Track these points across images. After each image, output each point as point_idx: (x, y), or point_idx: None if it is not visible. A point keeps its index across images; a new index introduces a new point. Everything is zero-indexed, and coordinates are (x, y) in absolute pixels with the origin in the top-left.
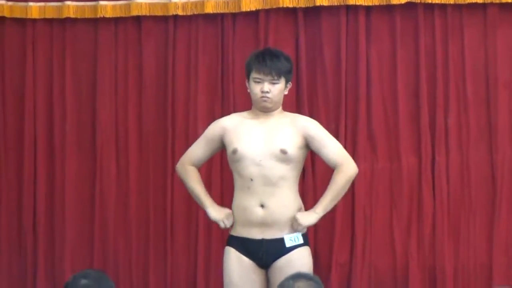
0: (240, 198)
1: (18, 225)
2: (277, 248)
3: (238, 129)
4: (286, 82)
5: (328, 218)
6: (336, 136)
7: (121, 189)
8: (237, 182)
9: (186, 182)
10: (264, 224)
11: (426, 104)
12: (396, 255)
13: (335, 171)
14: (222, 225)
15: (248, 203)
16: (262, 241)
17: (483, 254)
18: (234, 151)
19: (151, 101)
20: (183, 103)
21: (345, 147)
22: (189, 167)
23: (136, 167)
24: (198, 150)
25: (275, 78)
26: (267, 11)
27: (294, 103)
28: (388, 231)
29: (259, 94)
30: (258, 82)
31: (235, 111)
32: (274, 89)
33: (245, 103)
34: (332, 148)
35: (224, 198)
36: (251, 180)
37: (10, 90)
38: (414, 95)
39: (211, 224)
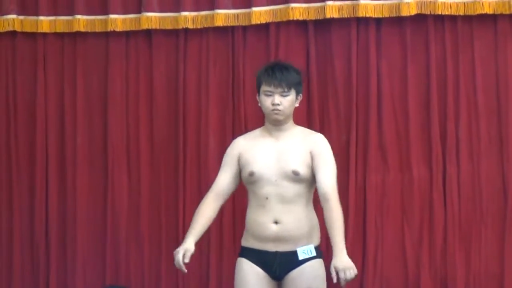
0: (254, 214)
1: (31, 238)
2: (290, 261)
3: (252, 150)
4: (297, 94)
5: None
6: (347, 147)
7: (133, 201)
8: (252, 199)
9: (195, 213)
10: (278, 239)
11: (437, 115)
12: (408, 267)
13: (327, 206)
14: (177, 256)
15: (263, 220)
16: (276, 253)
17: (495, 265)
18: (251, 174)
19: (162, 114)
20: (194, 116)
21: (356, 159)
22: (205, 200)
23: (148, 179)
24: (222, 177)
25: (286, 90)
26: (278, 24)
27: (305, 115)
28: (399, 242)
29: (271, 107)
30: (269, 95)
31: (246, 123)
32: (285, 101)
33: (256, 115)
34: (327, 175)
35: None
36: (267, 198)
37: (21, 104)
38: (424, 106)
39: (223, 234)
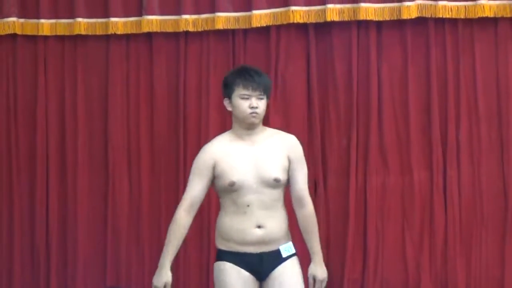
0: (233, 221)
1: (31, 241)
2: (274, 259)
3: (229, 159)
4: (267, 98)
5: (340, 233)
6: (348, 150)
7: (133, 203)
8: (230, 206)
9: (168, 233)
10: (262, 242)
11: (438, 118)
12: (408, 270)
13: (305, 211)
14: None
15: (245, 225)
16: (261, 254)
17: (495, 268)
18: (231, 184)
19: (163, 117)
20: (194, 118)
21: (356, 162)
22: (178, 216)
23: (148, 182)
24: (196, 188)
25: (262, 93)
26: (278, 27)
27: (306, 118)
28: (400, 246)
29: (248, 111)
30: (246, 98)
31: None
32: (262, 105)
33: None
34: (303, 179)
35: None
36: (248, 206)
37: (22, 107)
38: (425, 109)
39: None
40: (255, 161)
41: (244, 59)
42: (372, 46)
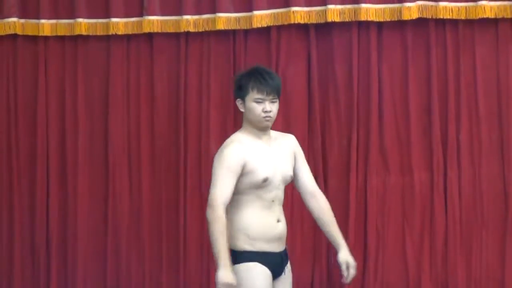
0: (259, 216)
1: (31, 241)
2: (285, 259)
3: (258, 156)
4: (279, 100)
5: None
6: (348, 151)
7: (134, 203)
8: (255, 203)
9: (213, 231)
10: (281, 237)
11: (438, 119)
12: (409, 270)
13: (320, 203)
14: None
15: (270, 219)
16: (281, 253)
17: (496, 268)
18: (265, 180)
19: (164, 117)
20: (195, 119)
21: (357, 162)
22: (221, 215)
23: (149, 182)
24: (229, 186)
25: (276, 97)
26: (279, 28)
27: (306, 118)
28: (400, 246)
29: (262, 114)
30: (260, 102)
31: None
32: (274, 108)
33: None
34: (310, 174)
35: None
36: (273, 201)
37: (22, 107)
38: (425, 110)
39: None
40: (275, 159)
41: (245, 60)
42: (373, 46)
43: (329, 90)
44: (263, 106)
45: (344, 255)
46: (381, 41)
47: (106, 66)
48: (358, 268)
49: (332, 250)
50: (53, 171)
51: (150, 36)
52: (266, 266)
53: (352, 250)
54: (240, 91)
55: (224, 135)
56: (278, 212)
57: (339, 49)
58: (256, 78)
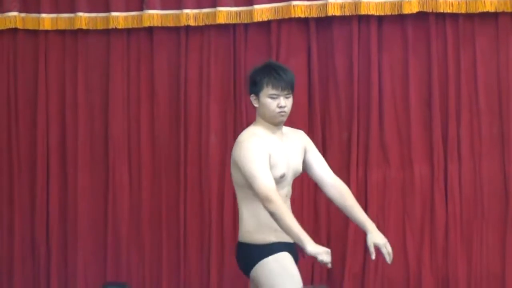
0: None
1: (31, 236)
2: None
3: (276, 151)
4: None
5: (341, 228)
6: (348, 145)
7: (134, 199)
8: None
9: (283, 219)
10: None
11: (439, 113)
12: (409, 265)
13: (341, 188)
14: (324, 258)
15: None
16: (295, 243)
17: (496, 263)
18: (282, 176)
19: (164, 111)
20: (195, 113)
21: (357, 157)
22: (279, 202)
23: (149, 177)
24: (269, 172)
25: (290, 92)
26: (279, 21)
27: (306, 112)
28: (400, 240)
29: (277, 110)
30: (275, 98)
31: (247, 120)
32: (289, 103)
33: None
34: (324, 161)
35: None
36: (286, 196)
37: (22, 101)
38: (426, 104)
39: (224, 234)
40: (288, 154)
41: (245, 54)
42: (373, 40)
43: (329, 84)
44: (278, 102)
45: (371, 238)
46: (381, 35)
47: (106, 60)
48: (358, 262)
49: (332, 248)
50: (53, 166)
51: (150, 30)
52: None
53: (352, 245)
54: (254, 87)
55: (224, 129)
56: (288, 206)
57: (340, 43)
58: (270, 73)
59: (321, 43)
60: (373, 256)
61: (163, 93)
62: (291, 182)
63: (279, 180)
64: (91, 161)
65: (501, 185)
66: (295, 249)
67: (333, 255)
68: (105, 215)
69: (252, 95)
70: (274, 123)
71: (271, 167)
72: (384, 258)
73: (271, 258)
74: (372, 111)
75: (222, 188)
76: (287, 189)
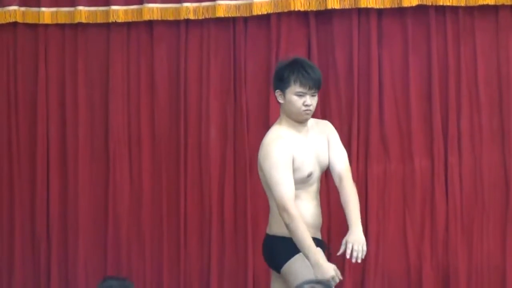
0: (309, 207)
1: (32, 230)
2: None
3: (301, 151)
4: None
5: (341, 220)
6: (349, 138)
7: (134, 193)
8: (302, 195)
9: (296, 231)
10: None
11: (439, 106)
12: (410, 257)
13: (342, 184)
14: (335, 279)
15: (317, 211)
16: (323, 240)
17: (497, 256)
18: (310, 174)
19: (164, 105)
20: (195, 107)
21: (357, 150)
22: (296, 214)
23: (149, 171)
24: (291, 182)
25: (317, 91)
26: (279, 15)
27: None
28: (401, 233)
29: (302, 108)
30: (301, 95)
31: (247, 114)
32: (314, 101)
33: (257, 106)
34: (344, 157)
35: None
36: (316, 192)
37: (22, 95)
38: (426, 97)
39: (224, 227)
40: (314, 151)
41: (245, 47)
42: (373, 33)
43: (329, 77)
44: (304, 100)
45: (347, 236)
46: (381, 28)
47: (106, 54)
48: None
49: (332, 241)
50: (53, 160)
51: (150, 23)
52: None
53: None
54: (281, 83)
55: (224, 123)
56: (318, 200)
57: (339, 36)
58: (299, 71)
59: (321, 36)
60: (338, 253)
61: (163, 86)
62: (319, 177)
63: (306, 180)
64: (91, 155)
65: (502, 178)
66: (323, 247)
67: (333, 246)
68: (105, 209)
69: (277, 90)
70: (299, 121)
71: (296, 169)
72: (382, 254)
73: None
74: (372, 104)
75: (223, 182)
76: (316, 185)
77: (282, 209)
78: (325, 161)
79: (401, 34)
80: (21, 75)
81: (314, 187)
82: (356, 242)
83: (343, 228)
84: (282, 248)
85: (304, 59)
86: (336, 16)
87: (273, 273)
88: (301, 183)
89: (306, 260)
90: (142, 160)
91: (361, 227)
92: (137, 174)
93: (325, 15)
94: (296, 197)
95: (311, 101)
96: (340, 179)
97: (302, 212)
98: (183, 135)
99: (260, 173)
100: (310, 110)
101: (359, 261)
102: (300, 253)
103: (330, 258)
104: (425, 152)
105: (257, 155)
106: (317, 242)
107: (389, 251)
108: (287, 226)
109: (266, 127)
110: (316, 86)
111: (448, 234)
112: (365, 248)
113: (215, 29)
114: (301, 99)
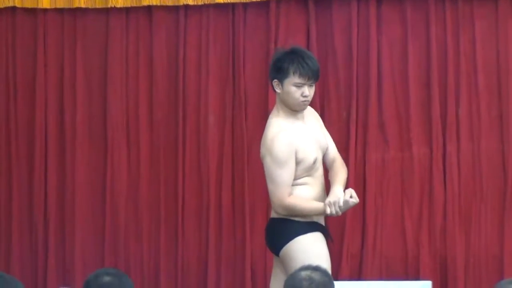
0: (317, 191)
1: (29, 217)
2: None
3: (303, 140)
4: None
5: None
6: (347, 125)
7: (132, 179)
8: (309, 182)
9: (300, 211)
10: None
11: (437, 94)
12: (407, 245)
13: (334, 165)
14: (350, 202)
15: (324, 196)
16: (325, 226)
17: (494, 244)
18: (315, 160)
19: (162, 91)
20: (194, 93)
21: (356, 137)
22: (290, 203)
23: (147, 157)
24: (290, 180)
25: (315, 81)
26: (278, 1)
27: None
28: (399, 221)
29: (301, 99)
30: (300, 86)
31: (246, 100)
32: (312, 92)
33: (256, 93)
34: (332, 140)
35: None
36: (321, 175)
37: (21, 81)
38: (425, 85)
39: (222, 215)
40: (313, 136)
41: (244, 33)
42: (372, 21)
43: (328, 65)
44: (303, 91)
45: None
46: (380, 15)
47: (104, 39)
48: (356, 243)
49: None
50: (51, 145)
51: (149, 9)
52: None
53: (351, 225)
54: (279, 73)
55: (222, 109)
56: (323, 184)
57: (339, 23)
58: (298, 62)
59: (320, 23)
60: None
61: (162, 72)
62: (321, 161)
63: (312, 166)
64: (90, 140)
65: (500, 166)
66: (326, 233)
67: (331, 234)
68: (103, 194)
69: (275, 80)
70: (296, 109)
71: (301, 160)
72: (380, 241)
73: (309, 235)
74: (371, 92)
75: (221, 168)
76: (320, 169)
77: (278, 206)
78: (324, 144)
79: (400, 21)
80: (20, 60)
81: (319, 172)
82: (331, 198)
83: (357, 225)
84: (281, 231)
85: (302, 49)
86: (336, 3)
87: (275, 259)
88: (308, 170)
89: (304, 245)
90: (140, 145)
91: (341, 188)
92: (135, 160)
93: (324, 2)
94: (304, 184)
95: (309, 91)
96: (334, 160)
97: (309, 198)
98: (181, 121)
99: (262, 163)
100: (308, 100)
101: (339, 213)
102: (299, 237)
103: (332, 247)
104: (423, 140)
105: (255, 143)
106: (321, 227)
107: (387, 239)
108: (290, 215)
109: (265, 113)
110: (314, 77)
111: (446, 221)
112: (341, 202)
113: (214, 15)
114: (300, 89)
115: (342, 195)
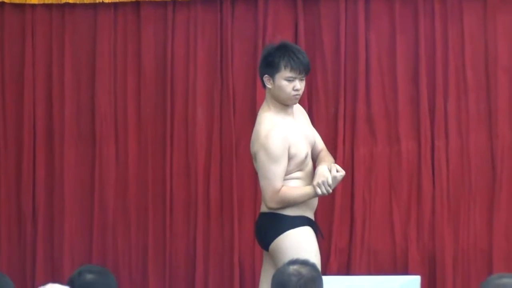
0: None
1: (17, 212)
2: None
3: (294, 135)
4: None
5: (327, 202)
6: (335, 120)
7: (120, 175)
8: (303, 176)
9: (293, 200)
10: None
11: (426, 89)
12: (396, 240)
13: (325, 152)
14: (337, 176)
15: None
16: (316, 221)
17: (483, 238)
18: (306, 155)
19: (150, 86)
20: (182, 88)
21: (344, 132)
22: (281, 196)
23: (135, 153)
24: (281, 177)
25: (305, 75)
26: None
27: None
28: (387, 216)
29: (292, 93)
30: (291, 80)
31: (234, 95)
32: (303, 85)
33: (244, 87)
34: (320, 138)
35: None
36: (311, 171)
37: (9, 76)
38: (413, 80)
39: (210, 208)
40: (303, 131)
41: (232, 29)
42: (360, 16)
43: (316, 60)
44: (294, 85)
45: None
46: (368, 11)
47: (93, 34)
48: (344, 238)
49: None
50: (40, 139)
51: (137, 4)
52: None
53: (339, 220)
54: (270, 68)
55: (211, 103)
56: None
57: (327, 18)
58: (289, 56)
59: (308, 19)
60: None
61: (150, 67)
62: (311, 156)
63: (304, 161)
64: (78, 134)
65: (488, 161)
66: (317, 229)
67: (321, 232)
68: (91, 188)
69: (266, 76)
70: (286, 104)
71: (294, 155)
72: (368, 236)
73: (297, 230)
74: (359, 87)
75: (209, 163)
76: (310, 164)
77: (270, 201)
78: (312, 138)
79: (388, 16)
80: (8, 55)
81: (309, 166)
82: (318, 179)
83: (328, 208)
84: (271, 225)
85: (292, 44)
86: None
87: (265, 254)
88: (300, 165)
89: (294, 239)
90: (128, 140)
91: (326, 166)
92: (123, 154)
93: None
94: (296, 178)
95: (301, 85)
96: (321, 151)
97: (297, 186)
98: (169, 115)
99: (254, 161)
100: (299, 94)
101: (330, 191)
102: (289, 231)
103: (321, 242)
104: (411, 135)
105: (243, 137)
106: (311, 222)
107: (375, 233)
108: (283, 207)
109: (253, 108)
110: (305, 70)
111: (434, 216)
112: (330, 180)
113: (202, 11)
114: (291, 83)
115: (329, 174)
